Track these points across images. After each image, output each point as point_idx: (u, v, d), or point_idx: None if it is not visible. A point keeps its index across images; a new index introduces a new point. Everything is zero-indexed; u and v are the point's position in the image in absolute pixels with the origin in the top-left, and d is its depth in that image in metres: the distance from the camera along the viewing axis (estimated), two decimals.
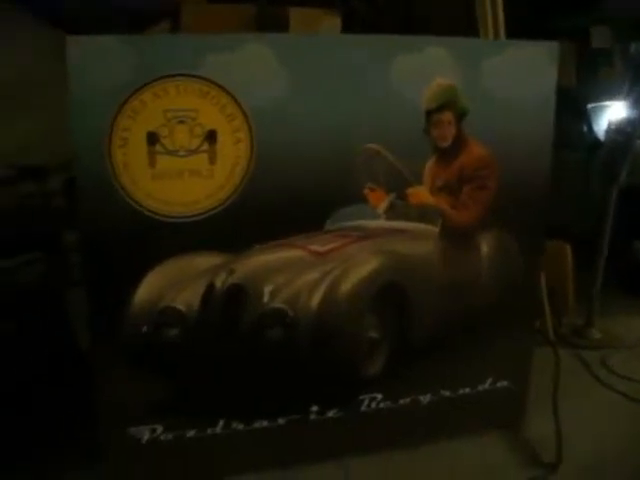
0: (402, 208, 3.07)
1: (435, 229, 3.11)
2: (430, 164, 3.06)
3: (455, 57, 2.94)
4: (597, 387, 4.12)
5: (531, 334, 3.55)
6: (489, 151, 3.06)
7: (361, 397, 3.17)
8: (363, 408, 3.19)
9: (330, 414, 3.15)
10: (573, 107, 6.01)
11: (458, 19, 3.99)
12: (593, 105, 6.15)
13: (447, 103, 2.95)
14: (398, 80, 2.86)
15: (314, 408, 3.12)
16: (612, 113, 5.29)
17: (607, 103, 6.23)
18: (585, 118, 6.09)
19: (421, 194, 3.03)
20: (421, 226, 3.13)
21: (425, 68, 2.90)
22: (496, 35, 3.98)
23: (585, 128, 6.07)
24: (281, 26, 3.47)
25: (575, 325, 4.85)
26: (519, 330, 3.37)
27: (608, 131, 4.69)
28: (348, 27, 3.67)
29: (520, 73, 3.05)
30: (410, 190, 3.03)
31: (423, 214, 3.10)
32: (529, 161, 3.15)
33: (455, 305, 3.18)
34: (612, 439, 3.54)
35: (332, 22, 3.65)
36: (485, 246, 3.20)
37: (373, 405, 3.19)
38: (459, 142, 3.04)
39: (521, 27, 3.65)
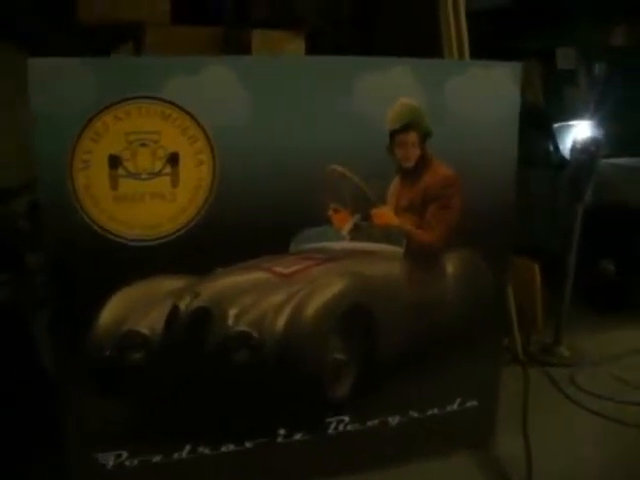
0: (367, 229, 3.06)
1: (400, 250, 3.10)
2: (394, 184, 3.07)
3: (419, 77, 2.96)
4: (566, 405, 4.12)
5: (499, 353, 3.56)
6: (453, 171, 3.07)
7: (328, 420, 3.15)
8: (330, 431, 3.16)
9: (297, 437, 3.12)
10: (540, 126, 6.09)
11: (423, 39, 4.01)
12: (559, 124, 6.22)
13: (411, 123, 2.96)
14: (362, 101, 2.87)
15: (281, 431, 3.09)
16: (577, 132, 5.35)
17: (573, 122, 6.32)
18: (551, 137, 6.16)
19: (385, 215, 3.03)
20: (386, 247, 3.12)
21: (389, 88, 2.92)
22: (461, 55, 4.02)
23: (551, 147, 6.13)
24: (244, 48, 3.48)
25: (544, 343, 4.87)
26: (487, 349, 3.37)
27: (573, 150, 4.74)
28: (313, 48, 3.68)
29: (484, 93, 3.08)
30: (374, 211, 3.03)
31: (388, 235, 3.09)
32: (494, 180, 3.17)
33: (422, 325, 3.18)
34: (582, 458, 3.54)
35: (296, 44, 3.66)
36: (451, 266, 3.20)
37: (341, 427, 3.17)
38: (423, 162, 3.04)
39: (488, 47, 3.69)
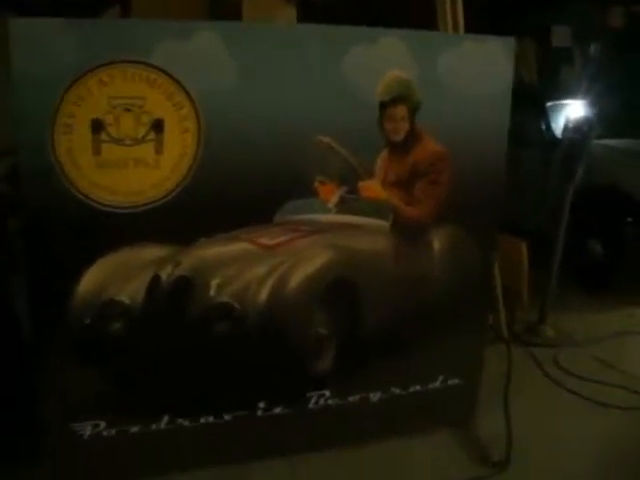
0: (353, 202, 3.02)
1: (387, 224, 3.06)
2: (383, 158, 3.02)
3: (411, 50, 2.90)
4: (548, 385, 4.12)
5: (484, 331, 3.54)
6: (443, 146, 3.03)
7: (309, 394, 3.12)
8: (311, 405, 3.14)
9: (277, 410, 3.10)
10: (532, 104, 6.03)
11: (418, 11, 3.94)
12: (552, 103, 6.17)
13: (401, 96, 2.91)
14: (352, 71, 2.82)
15: (261, 404, 3.07)
16: (570, 111, 5.30)
17: (566, 101, 6.25)
18: (544, 116, 6.10)
19: (373, 188, 2.99)
20: (372, 221, 3.08)
21: (380, 60, 2.86)
22: (455, 29, 3.96)
23: (543, 126, 6.08)
24: (234, 14, 3.40)
25: (529, 322, 4.85)
26: (472, 327, 3.36)
27: (566, 129, 4.69)
28: (305, 17, 3.61)
29: (476, 68, 3.02)
30: (362, 184, 2.98)
31: (375, 209, 3.05)
32: (484, 156, 3.12)
33: (407, 301, 3.15)
34: (562, 438, 3.54)
35: (287, 12, 3.59)
36: (438, 242, 3.17)
37: (321, 402, 3.15)
38: (412, 136, 3.00)
39: (483, 24, 3.63)
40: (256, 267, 2.88)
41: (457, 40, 3.12)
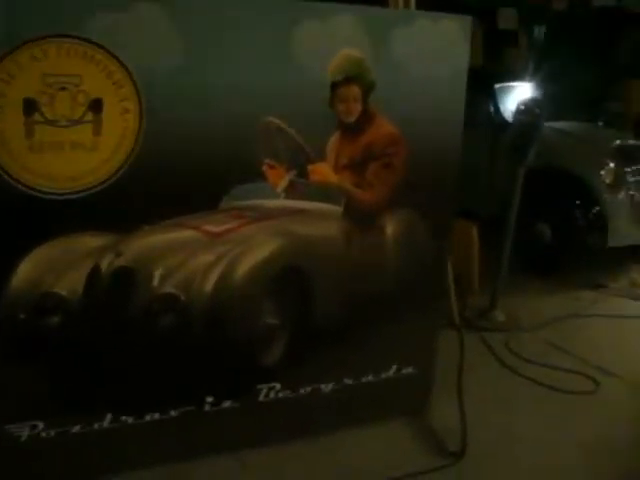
0: (303, 186, 2.90)
1: (338, 209, 2.95)
2: (334, 140, 2.90)
3: (364, 27, 2.78)
4: (501, 371, 4.08)
5: (437, 318, 3.45)
6: (397, 128, 2.92)
7: (259, 386, 3.00)
8: (261, 398, 3.02)
9: (226, 405, 2.97)
10: (480, 87, 5.97)
11: None
12: (500, 85, 6.12)
13: (354, 76, 2.79)
14: (302, 49, 2.69)
15: (209, 399, 2.93)
16: (519, 94, 5.25)
17: (514, 84, 6.23)
18: (492, 98, 6.05)
19: (323, 171, 2.87)
20: (323, 206, 2.96)
21: (331, 38, 2.74)
22: (406, 6, 3.84)
23: (492, 108, 6.02)
24: None
25: (480, 307, 4.80)
26: (425, 314, 3.27)
27: (516, 112, 4.63)
28: None
29: (432, 47, 2.93)
30: (312, 167, 2.86)
31: (326, 193, 2.93)
32: (439, 138, 3.03)
33: (359, 288, 3.04)
34: (518, 426, 3.49)
35: None
36: (391, 227, 3.07)
37: (272, 395, 3.03)
38: (365, 118, 2.88)
39: (429, 5, 3.53)
40: (201, 256, 2.74)
41: (412, 18, 3.00)
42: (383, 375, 3.26)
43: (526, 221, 5.24)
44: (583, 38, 7.72)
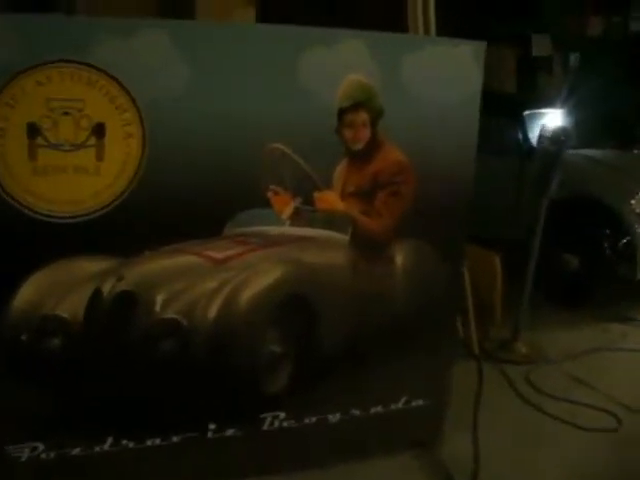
0: (309, 214, 2.86)
1: (345, 237, 2.90)
2: (341, 167, 2.86)
3: (373, 53, 2.75)
4: (520, 405, 3.97)
5: (450, 350, 3.37)
6: (406, 156, 2.88)
7: (262, 415, 2.95)
8: (265, 427, 2.97)
9: (229, 433, 2.93)
10: (510, 113, 5.91)
11: (388, 13, 3.79)
12: (529, 112, 6.04)
13: (361, 102, 2.76)
14: (309, 75, 2.66)
15: (212, 426, 2.89)
16: (548, 121, 5.17)
17: (544, 110, 6.14)
18: (521, 125, 5.96)
19: (330, 199, 2.83)
20: (330, 234, 2.92)
21: (339, 63, 2.71)
22: (426, 32, 3.81)
23: (520, 135, 5.94)
24: (187, 13, 3.24)
25: (502, 339, 4.69)
26: (437, 346, 3.20)
27: (541, 139, 4.55)
28: (266, 16, 3.44)
29: (444, 72, 2.88)
30: (318, 195, 2.82)
31: (332, 221, 2.89)
32: (451, 166, 2.98)
33: (368, 319, 3.00)
34: (533, 463, 3.39)
35: (246, 12, 3.43)
36: (400, 256, 3.01)
37: (276, 424, 2.98)
38: (374, 145, 2.84)
39: (464, 31, 3.51)
40: (204, 282, 2.72)
41: (423, 43, 2.98)
42: (392, 407, 3.19)
43: (553, 251, 5.15)
44: (618, 64, 7.62)
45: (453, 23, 4.14)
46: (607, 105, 6.93)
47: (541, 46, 7.53)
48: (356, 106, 2.76)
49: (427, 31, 3.81)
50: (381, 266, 2.99)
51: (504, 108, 5.70)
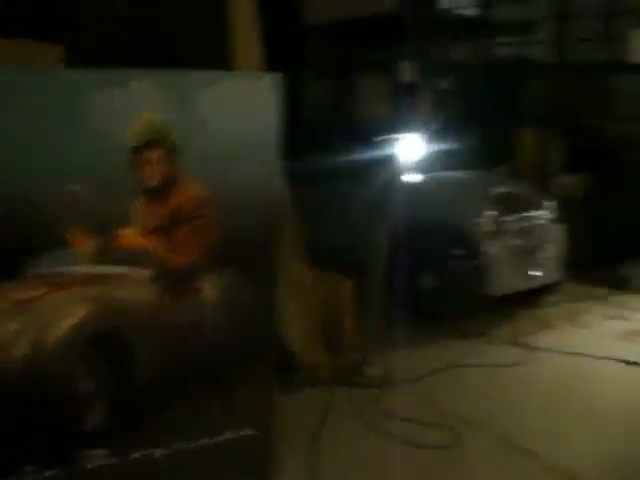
0: (111, 251, 2.87)
1: (148, 272, 2.93)
2: (140, 204, 2.88)
3: (165, 90, 2.81)
4: (364, 429, 4.00)
5: (272, 378, 3.39)
6: (207, 189, 2.92)
7: (83, 453, 2.92)
8: (88, 465, 2.95)
9: (49, 474, 2.88)
10: (364, 140, 6.03)
11: (211, 45, 3.83)
12: (389, 137, 6.18)
13: (154, 139, 2.80)
14: (100, 115, 2.69)
15: (29, 468, 2.85)
16: (404, 146, 5.31)
17: (408, 135, 6.27)
18: (376, 151, 6.09)
19: (130, 236, 2.85)
20: (133, 270, 2.93)
21: (130, 103, 2.75)
22: (253, 66, 3.90)
23: (374, 161, 6.06)
24: None
25: (353, 363, 4.73)
26: (259, 375, 3.23)
27: (400, 164, 4.68)
28: (75, 59, 3.45)
29: (240, 105, 2.95)
30: (119, 232, 2.84)
31: (134, 257, 2.91)
32: (255, 196, 3.03)
33: (181, 351, 3.01)
34: None
35: (51, 54, 3.44)
36: (210, 288, 3.04)
37: (99, 462, 2.96)
38: (170, 181, 2.88)
39: (330, 59, 3.59)
40: (7, 324, 2.69)
41: (220, 78, 3.03)
42: (219, 438, 3.20)
43: (409, 272, 5.26)
44: (484, 89, 7.85)
45: (314, 52, 4.23)
46: (472, 128, 7.15)
47: (407, 72, 7.72)
48: (148, 144, 2.79)
49: (253, 65, 3.89)
50: (189, 299, 3.02)
51: (360, 135, 5.82)
